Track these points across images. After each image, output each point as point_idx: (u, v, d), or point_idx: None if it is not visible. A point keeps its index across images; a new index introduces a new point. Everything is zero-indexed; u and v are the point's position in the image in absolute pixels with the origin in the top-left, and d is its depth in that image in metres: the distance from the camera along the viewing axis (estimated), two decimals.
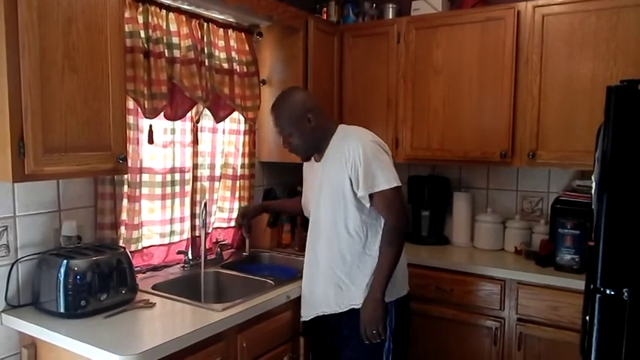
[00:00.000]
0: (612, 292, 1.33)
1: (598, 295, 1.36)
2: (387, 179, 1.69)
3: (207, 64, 2.22)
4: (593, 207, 1.47)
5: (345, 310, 1.78)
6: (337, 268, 1.78)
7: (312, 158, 1.88)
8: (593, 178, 1.50)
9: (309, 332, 1.99)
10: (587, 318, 1.44)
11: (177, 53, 2.08)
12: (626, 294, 1.32)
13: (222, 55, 2.33)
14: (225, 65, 2.34)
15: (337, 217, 1.77)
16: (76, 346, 1.45)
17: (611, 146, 1.31)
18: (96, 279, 1.63)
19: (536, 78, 2.30)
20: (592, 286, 1.38)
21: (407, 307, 1.87)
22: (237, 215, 2.21)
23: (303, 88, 2.09)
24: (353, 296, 1.76)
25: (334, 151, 1.78)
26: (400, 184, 1.73)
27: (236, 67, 2.40)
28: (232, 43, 2.39)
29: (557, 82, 2.26)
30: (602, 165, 1.35)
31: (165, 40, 2.03)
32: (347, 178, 1.72)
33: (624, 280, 1.32)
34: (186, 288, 2.01)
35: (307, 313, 1.89)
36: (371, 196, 1.71)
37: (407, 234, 1.80)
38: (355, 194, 1.73)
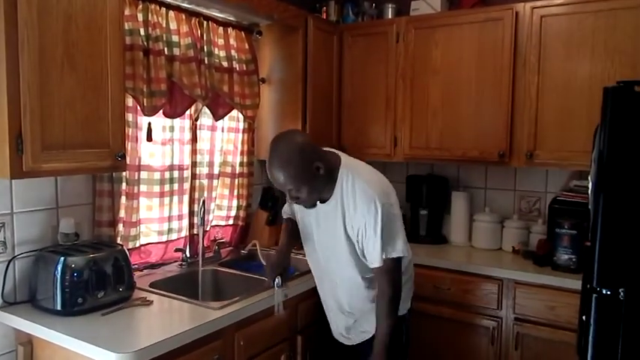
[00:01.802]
0: (608, 292, 1.34)
1: (594, 295, 1.36)
2: (397, 249, 1.61)
3: (206, 62, 2.22)
4: (589, 207, 1.47)
5: (364, 340, 1.80)
6: (357, 311, 1.78)
7: None
8: (589, 178, 1.50)
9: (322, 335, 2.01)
10: (584, 318, 1.44)
11: (176, 51, 2.08)
12: (622, 294, 1.32)
13: (222, 54, 2.33)
14: (225, 63, 2.34)
15: (357, 268, 1.71)
16: (72, 343, 1.45)
17: (607, 147, 1.32)
18: (93, 276, 1.63)
19: (534, 78, 2.31)
20: (588, 286, 1.39)
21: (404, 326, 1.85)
22: (270, 273, 1.85)
23: (297, 131, 1.85)
24: (371, 328, 1.75)
25: (342, 203, 1.64)
26: (408, 253, 1.66)
27: (235, 65, 2.40)
28: (232, 41, 2.39)
29: (554, 83, 2.27)
30: (599, 165, 1.36)
31: (164, 38, 2.03)
32: (354, 238, 1.65)
33: (620, 279, 1.33)
34: (183, 286, 2.01)
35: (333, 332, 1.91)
36: None
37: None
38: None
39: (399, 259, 1.63)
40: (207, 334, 1.60)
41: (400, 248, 1.62)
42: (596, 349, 1.37)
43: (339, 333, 1.88)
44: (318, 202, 1.69)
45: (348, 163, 1.69)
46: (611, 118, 1.33)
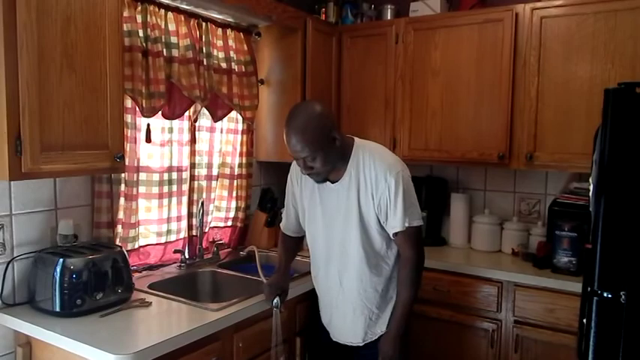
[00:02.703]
0: (609, 295, 1.33)
1: (595, 298, 1.36)
2: (417, 217, 1.66)
3: (205, 63, 2.21)
4: (590, 209, 1.47)
5: (374, 339, 1.77)
6: (369, 301, 1.74)
7: (308, 181, 1.75)
8: (590, 180, 1.50)
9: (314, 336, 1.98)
10: (584, 321, 1.44)
11: (175, 52, 2.07)
12: (623, 297, 1.32)
13: (221, 55, 2.33)
14: (224, 65, 2.34)
15: (367, 250, 1.70)
16: (71, 345, 1.45)
17: (608, 148, 1.32)
18: (92, 278, 1.63)
19: (534, 80, 2.30)
20: (589, 289, 1.38)
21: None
22: (268, 294, 1.82)
23: (317, 101, 1.82)
24: (382, 323, 1.76)
25: (358, 176, 1.66)
26: (420, 225, 1.70)
27: (234, 66, 2.40)
28: (231, 42, 2.39)
29: (554, 84, 2.26)
30: (600, 167, 1.35)
31: (163, 40, 2.02)
32: (373, 209, 1.66)
33: (621, 282, 1.32)
34: (182, 287, 2.00)
35: (334, 338, 1.86)
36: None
37: None
38: (380, 223, 1.67)
39: (419, 228, 1.68)
40: (205, 336, 1.59)
41: (419, 217, 1.67)
42: (597, 352, 1.36)
43: (353, 335, 1.80)
44: (327, 184, 1.71)
45: (361, 143, 1.73)
46: (612, 120, 1.33)
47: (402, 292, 1.71)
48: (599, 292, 1.34)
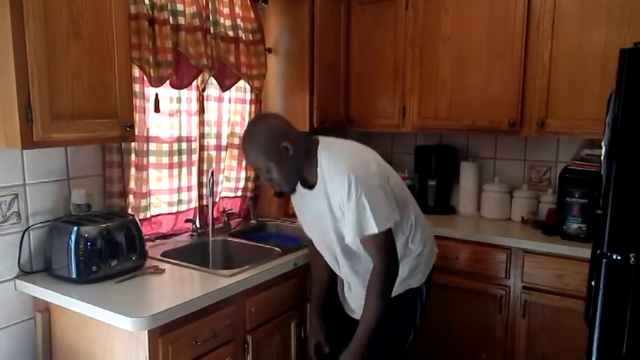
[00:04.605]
0: (619, 258, 1.33)
1: (604, 260, 1.36)
2: (378, 222, 1.50)
3: (212, 31, 2.19)
4: (602, 172, 1.46)
5: None
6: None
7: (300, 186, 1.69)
8: (603, 143, 1.48)
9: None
10: (593, 283, 1.44)
11: (182, 20, 2.05)
12: (632, 259, 1.32)
13: (228, 23, 2.29)
14: (231, 33, 2.31)
15: (350, 252, 1.65)
16: (89, 309, 1.49)
17: (622, 110, 1.29)
18: (106, 245, 1.66)
19: (548, 44, 2.25)
20: (599, 252, 1.38)
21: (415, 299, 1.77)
22: (311, 344, 1.85)
23: (272, 114, 1.83)
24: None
25: (324, 180, 1.58)
26: (392, 225, 1.55)
27: (241, 34, 2.37)
28: (237, 10, 2.35)
29: (568, 49, 2.21)
30: (613, 129, 1.33)
31: (169, 7, 2.00)
32: (340, 220, 1.58)
33: (631, 245, 1.32)
34: (194, 255, 2.04)
35: (348, 312, 1.83)
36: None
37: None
38: None
39: (383, 234, 1.53)
40: (218, 301, 1.63)
41: (377, 224, 1.50)
42: (605, 314, 1.38)
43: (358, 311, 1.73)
44: (306, 190, 1.64)
45: (325, 144, 1.62)
46: (627, 81, 1.30)
47: (367, 303, 1.58)
48: (609, 254, 1.34)
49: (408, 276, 1.72)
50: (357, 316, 1.72)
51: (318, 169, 1.59)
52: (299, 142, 1.59)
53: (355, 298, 1.78)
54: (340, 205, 1.55)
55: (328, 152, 1.59)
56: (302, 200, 1.72)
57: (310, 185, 1.63)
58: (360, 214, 1.50)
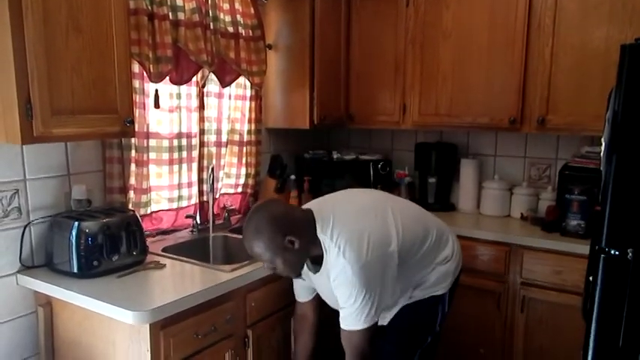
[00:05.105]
0: (617, 253, 1.34)
1: (602, 256, 1.36)
2: (358, 319, 1.46)
3: (212, 27, 2.19)
4: (601, 168, 1.46)
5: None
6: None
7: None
8: (602, 139, 1.48)
9: None
10: (591, 279, 1.45)
11: (181, 16, 2.05)
12: (630, 254, 1.33)
13: (228, 19, 2.29)
14: (231, 29, 2.31)
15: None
16: (90, 303, 1.50)
17: (622, 106, 1.29)
18: (107, 240, 1.67)
19: (549, 41, 2.25)
20: (597, 247, 1.39)
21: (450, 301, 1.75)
22: None
23: (273, 202, 1.65)
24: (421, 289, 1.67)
25: (329, 269, 1.51)
26: (374, 323, 1.49)
27: (241, 30, 2.36)
28: (237, 6, 2.35)
29: (569, 46, 2.21)
30: (613, 125, 1.34)
31: (169, 3, 1.99)
32: None
33: (629, 240, 1.33)
34: (195, 251, 2.04)
35: None
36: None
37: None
38: None
39: (365, 332, 1.48)
40: (219, 296, 1.64)
41: (369, 317, 1.47)
42: (602, 308, 1.38)
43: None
44: (312, 272, 1.60)
45: (323, 222, 1.51)
46: (628, 77, 1.30)
47: None
48: (607, 249, 1.35)
49: (434, 284, 1.67)
50: None
51: (325, 258, 1.51)
52: (304, 231, 1.50)
53: None
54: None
55: (329, 238, 1.49)
56: (308, 273, 1.65)
57: (316, 266, 1.57)
58: (346, 307, 1.47)
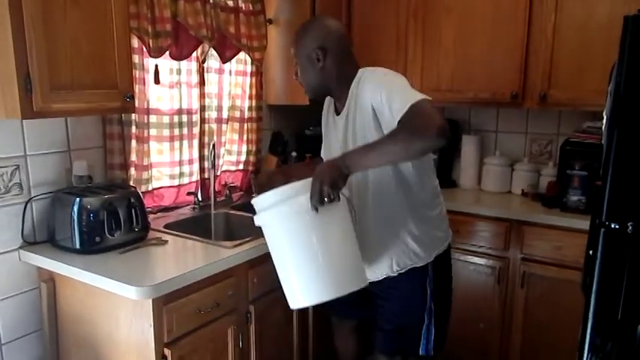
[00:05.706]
0: (617, 226, 1.34)
1: (602, 229, 1.37)
2: (413, 94, 1.34)
3: (211, 1, 2.15)
4: (602, 142, 1.46)
5: (404, 270, 1.57)
6: (392, 232, 1.55)
7: (330, 112, 1.64)
8: (604, 113, 1.47)
9: None
10: (591, 252, 1.46)
11: None
12: (630, 228, 1.33)
13: None
14: (230, 3, 2.27)
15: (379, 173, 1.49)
16: (93, 279, 1.51)
17: (624, 78, 1.28)
18: (109, 217, 1.67)
19: (551, 16, 2.22)
20: (597, 221, 1.39)
21: (447, 262, 1.64)
22: (255, 185, 1.90)
23: (334, 19, 1.61)
24: (415, 255, 1.56)
25: (353, 101, 1.48)
26: (430, 98, 1.36)
27: (241, 4, 2.33)
28: None
29: (572, 21, 2.18)
30: (615, 98, 1.32)
31: None
32: (372, 119, 1.43)
33: (629, 214, 1.33)
34: (197, 227, 2.05)
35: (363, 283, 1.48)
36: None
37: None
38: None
39: (426, 101, 1.32)
40: (221, 272, 1.65)
41: (419, 93, 1.35)
42: (601, 281, 1.39)
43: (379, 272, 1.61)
44: (333, 117, 1.60)
45: (367, 69, 1.51)
46: (631, 48, 1.28)
47: (392, 132, 1.32)
48: (607, 223, 1.35)
49: (429, 235, 1.57)
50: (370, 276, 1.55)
51: (349, 92, 1.49)
52: (338, 59, 1.50)
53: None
54: (370, 107, 1.41)
55: (363, 73, 1.48)
56: (328, 129, 1.66)
57: (338, 111, 1.57)
58: (392, 94, 1.36)
